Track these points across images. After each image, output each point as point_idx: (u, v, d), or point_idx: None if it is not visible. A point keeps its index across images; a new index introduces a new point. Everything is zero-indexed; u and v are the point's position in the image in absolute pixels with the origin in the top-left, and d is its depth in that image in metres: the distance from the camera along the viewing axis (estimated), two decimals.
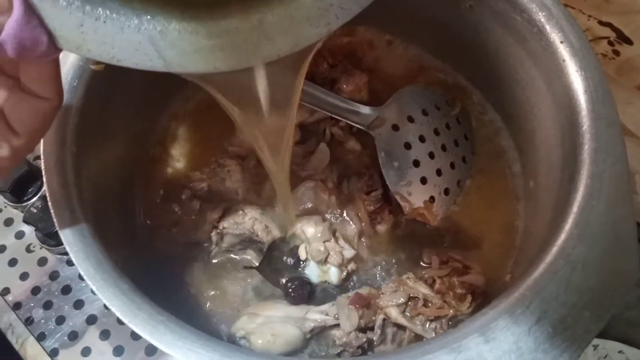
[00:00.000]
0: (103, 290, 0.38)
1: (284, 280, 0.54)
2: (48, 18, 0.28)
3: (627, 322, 0.73)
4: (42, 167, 0.43)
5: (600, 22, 0.63)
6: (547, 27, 0.46)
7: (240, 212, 0.55)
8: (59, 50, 0.30)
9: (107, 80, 0.48)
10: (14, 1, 0.27)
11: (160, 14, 0.29)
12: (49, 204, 0.41)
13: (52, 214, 0.41)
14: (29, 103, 0.33)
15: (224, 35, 0.30)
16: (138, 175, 0.58)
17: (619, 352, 0.69)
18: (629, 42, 0.62)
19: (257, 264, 0.55)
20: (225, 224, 0.54)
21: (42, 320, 0.65)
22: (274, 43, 0.31)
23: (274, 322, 0.50)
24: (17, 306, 0.66)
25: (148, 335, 0.37)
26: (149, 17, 0.29)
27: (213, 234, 0.54)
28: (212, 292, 0.54)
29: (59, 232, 0.40)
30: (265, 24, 0.31)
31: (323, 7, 0.31)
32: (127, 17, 0.29)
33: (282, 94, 0.40)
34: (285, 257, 0.54)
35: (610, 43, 0.64)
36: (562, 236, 0.38)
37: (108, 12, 0.29)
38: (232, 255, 0.56)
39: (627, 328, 0.72)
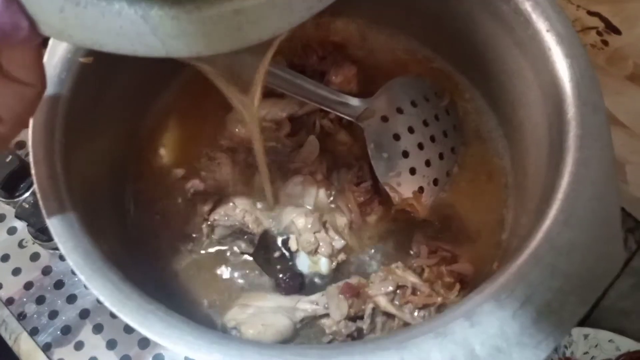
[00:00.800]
0: (92, 281, 0.38)
1: (275, 271, 0.54)
2: (28, 3, 0.28)
3: (620, 311, 0.73)
4: (31, 159, 0.43)
5: (589, 12, 0.63)
6: (533, 16, 0.46)
7: (231, 204, 0.55)
8: (41, 35, 0.30)
9: (96, 72, 0.48)
10: None
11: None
12: (38, 195, 0.41)
13: (40, 205, 0.41)
14: (13, 89, 0.33)
15: (206, 21, 0.30)
16: (128, 167, 0.58)
17: (609, 341, 0.70)
18: (617, 32, 0.62)
19: (250, 252, 0.55)
20: (215, 216, 0.54)
21: (35, 315, 0.65)
22: (256, 27, 0.31)
23: (265, 313, 0.50)
24: (9, 301, 0.66)
25: (137, 324, 0.37)
26: (130, 2, 0.29)
27: (204, 226, 0.55)
28: (202, 282, 0.54)
29: (47, 222, 0.40)
30: (247, 8, 0.31)
31: None
32: (108, 2, 0.29)
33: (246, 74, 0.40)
34: (276, 248, 0.54)
35: (599, 33, 0.64)
36: (547, 222, 0.38)
37: None
38: (222, 247, 0.56)
39: (620, 318, 0.73)
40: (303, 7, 0.31)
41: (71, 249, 0.39)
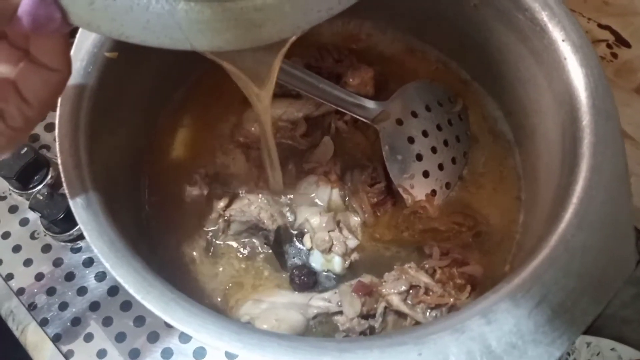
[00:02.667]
0: (117, 268, 0.39)
1: (291, 267, 0.55)
2: None
3: (622, 320, 0.74)
4: (57, 149, 0.43)
5: (600, 25, 0.64)
6: (550, 26, 0.48)
7: (247, 200, 0.56)
8: (71, 25, 0.32)
9: (119, 67, 0.49)
10: None
11: None
12: (64, 184, 0.42)
13: (67, 193, 0.42)
14: (40, 74, 0.34)
15: (229, 17, 0.32)
16: (145, 160, 0.59)
17: (612, 349, 0.70)
18: (627, 44, 0.63)
19: (270, 244, 0.56)
20: (231, 211, 0.55)
21: (45, 306, 0.65)
22: (277, 25, 0.33)
23: (278, 308, 0.51)
24: (20, 292, 0.66)
25: (161, 312, 0.37)
26: None
27: (220, 221, 0.55)
28: (217, 276, 0.55)
29: (74, 211, 0.41)
30: (269, 6, 0.32)
31: None
32: None
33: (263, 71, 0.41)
34: (291, 244, 0.55)
35: (609, 46, 0.65)
36: (562, 225, 0.40)
37: None
38: (237, 242, 0.56)
39: (621, 326, 0.74)
40: (323, 8, 0.33)
41: (97, 237, 0.40)
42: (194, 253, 0.56)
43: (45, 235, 0.69)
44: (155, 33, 0.32)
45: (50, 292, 0.66)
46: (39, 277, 0.67)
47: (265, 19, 0.32)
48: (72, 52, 0.47)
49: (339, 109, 0.57)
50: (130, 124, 0.54)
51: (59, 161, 0.43)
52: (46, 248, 0.69)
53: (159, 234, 0.56)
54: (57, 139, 0.44)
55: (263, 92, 0.44)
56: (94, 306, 0.65)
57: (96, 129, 0.47)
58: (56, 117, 0.45)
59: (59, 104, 0.45)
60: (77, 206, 0.41)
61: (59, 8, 0.31)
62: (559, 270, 0.38)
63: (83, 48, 0.47)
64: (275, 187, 0.56)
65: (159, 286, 0.39)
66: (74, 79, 0.46)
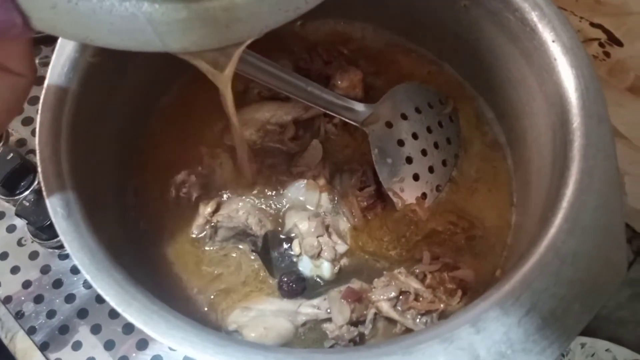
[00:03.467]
0: (97, 280, 0.38)
1: (279, 273, 0.54)
2: (21, 0, 0.29)
3: (617, 321, 0.74)
4: (37, 158, 0.43)
5: (592, 24, 0.63)
6: (539, 26, 0.47)
7: (234, 205, 0.55)
8: (33, 30, 0.31)
9: (102, 72, 0.48)
10: None
11: None
12: (44, 193, 0.41)
13: (47, 203, 0.41)
14: (5, 80, 0.34)
15: (195, 18, 0.31)
16: (130, 166, 0.58)
17: (607, 350, 0.70)
18: (619, 44, 0.63)
19: (257, 250, 0.55)
20: (219, 217, 0.54)
21: (33, 314, 0.65)
22: (243, 26, 0.32)
23: (267, 316, 0.50)
24: (7, 300, 0.66)
25: (142, 324, 0.37)
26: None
27: (207, 227, 0.54)
28: (204, 284, 0.54)
29: (54, 221, 0.40)
30: (236, 6, 0.31)
31: None
32: (99, 0, 0.30)
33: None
34: (279, 250, 0.54)
35: (601, 45, 0.64)
36: (552, 230, 0.39)
37: None
38: (225, 248, 0.56)
39: (617, 327, 0.73)
40: (291, 7, 0.32)
41: (77, 249, 0.39)
42: (180, 260, 0.55)
43: (32, 242, 0.68)
44: (120, 35, 0.31)
45: (38, 299, 0.66)
46: (26, 284, 0.67)
47: (232, 19, 0.32)
48: (53, 58, 0.46)
49: (327, 112, 0.56)
50: (114, 130, 0.53)
51: (39, 170, 0.42)
52: (33, 255, 0.68)
53: (144, 240, 0.55)
54: (37, 147, 0.43)
55: (223, 75, 0.43)
56: (82, 313, 0.65)
57: (79, 135, 0.46)
58: (36, 124, 0.44)
59: (39, 111, 0.44)
60: (57, 216, 0.40)
61: (20, 13, 0.30)
62: (550, 277, 0.37)
63: (64, 53, 0.46)
64: (244, 182, 0.56)
65: (141, 298, 0.38)
66: (55, 86, 0.45)
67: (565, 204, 0.40)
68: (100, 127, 0.51)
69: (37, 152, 0.43)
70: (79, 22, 0.31)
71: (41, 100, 0.45)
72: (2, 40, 0.32)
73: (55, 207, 0.41)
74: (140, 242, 0.55)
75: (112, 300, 0.38)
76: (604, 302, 0.37)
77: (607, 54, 0.65)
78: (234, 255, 0.55)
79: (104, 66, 0.48)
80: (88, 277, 0.39)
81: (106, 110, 0.51)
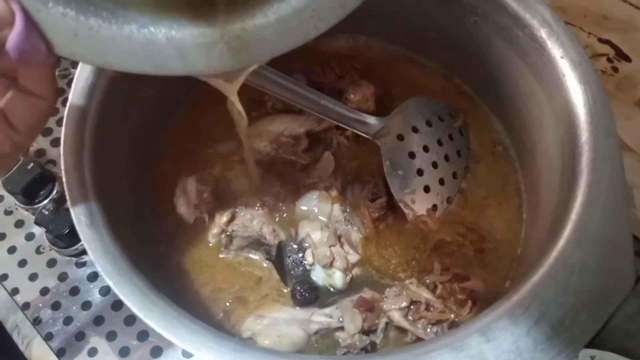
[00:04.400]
0: (120, 286, 0.40)
1: (292, 281, 0.55)
2: (46, 29, 0.31)
3: (626, 333, 0.74)
4: (62, 168, 0.44)
5: (600, 40, 0.65)
6: (548, 43, 0.48)
7: (249, 215, 0.57)
8: (56, 56, 0.33)
9: (123, 85, 0.50)
10: (16, 15, 0.30)
11: (150, 24, 0.32)
12: (68, 202, 0.43)
13: (71, 212, 0.42)
14: (28, 102, 0.36)
15: (209, 44, 0.33)
16: (150, 176, 0.60)
17: None
18: (627, 59, 0.64)
19: (272, 259, 0.56)
20: (233, 227, 0.55)
21: (50, 321, 0.66)
22: (256, 50, 0.34)
23: (280, 324, 0.51)
24: (25, 306, 0.67)
25: (163, 329, 0.38)
26: (139, 26, 0.32)
27: (222, 236, 0.56)
28: (219, 291, 0.55)
29: (78, 229, 0.42)
30: (248, 33, 0.33)
31: (302, 18, 0.33)
32: (119, 27, 0.32)
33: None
34: (293, 259, 0.55)
35: (609, 60, 0.65)
36: (561, 242, 0.40)
37: (101, 22, 0.32)
38: (240, 257, 0.57)
39: (625, 339, 0.73)
40: (300, 33, 0.34)
41: (100, 256, 0.41)
42: (196, 268, 0.56)
43: (50, 250, 0.69)
44: (139, 61, 0.33)
45: (55, 306, 0.67)
46: (44, 291, 0.68)
47: (244, 44, 0.33)
48: (76, 72, 0.48)
49: (340, 125, 0.57)
50: (134, 141, 0.55)
51: (64, 180, 0.44)
52: (51, 262, 0.69)
53: (161, 250, 0.56)
54: (62, 158, 0.45)
55: (230, 86, 0.44)
56: (98, 320, 0.66)
57: (101, 147, 0.47)
58: (61, 135, 0.46)
59: (64, 124, 0.46)
60: (81, 224, 0.42)
61: (44, 40, 0.32)
62: (558, 287, 0.38)
63: (87, 68, 0.48)
64: (257, 192, 0.58)
65: (161, 304, 0.39)
66: (78, 99, 0.47)
67: (573, 215, 0.41)
68: (121, 139, 0.53)
69: (62, 162, 0.44)
70: (99, 48, 0.32)
71: (65, 113, 0.46)
72: (27, 65, 0.33)
73: (79, 216, 0.42)
74: (156, 251, 0.56)
75: (134, 306, 0.39)
76: (611, 312, 0.37)
77: (615, 69, 0.66)
78: (249, 263, 0.56)
79: (124, 80, 0.50)
80: (110, 284, 0.40)
81: (126, 121, 0.53)
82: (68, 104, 0.47)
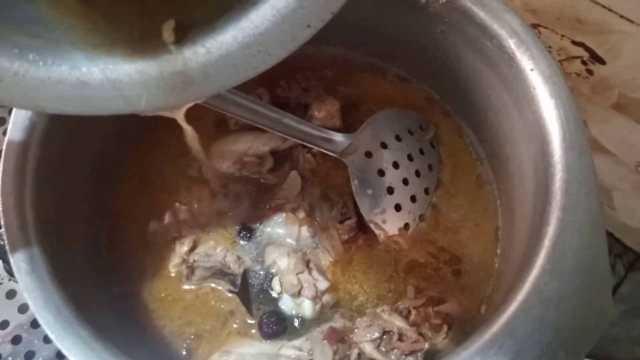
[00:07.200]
0: (62, 339, 0.37)
1: (259, 312, 0.52)
2: None
3: (611, 339, 0.72)
4: (0, 209, 0.41)
5: (574, 42, 0.62)
6: (517, 54, 0.46)
7: (212, 242, 0.54)
8: None
9: (69, 115, 0.46)
10: None
11: (83, 64, 0.30)
12: (7, 247, 0.40)
13: (10, 259, 0.39)
14: None
15: (149, 82, 0.31)
16: (105, 206, 0.56)
17: None
18: (602, 62, 0.61)
19: (236, 291, 0.53)
20: (195, 256, 0.53)
21: (10, 357, 0.63)
22: (201, 86, 0.31)
23: None
24: None
25: None
26: (70, 67, 0.30)
27: (183, 267, 0.53)
28: (180, 326, 0.52)
29: (17, 278, 0.39)
30: (191, 69, 0.31)
31: (250, 54, 0.31)
32: (48, 70, 0.30)
33: None
34: (259, 288, 0.53)
35: (584, 62, 0.63)
36: (535, 272, 0.37)
37: (27, 65, 0.29)
38: (201, 289, 0.54)
39: (611, 345, 0.72)
40: (248, 68, 0.31)
41: (41, 306, 0.38)
42: (156, 302, 0.53)
43: (9, 281, 0.66)
44: (72, 103, 0.31)
45: (16, 340, 0.64)
46: (4, 325, 0.65)
47: (187, 81, 0.31)
48: None
49: (305, 144, 0.54)
50: (85, 171, 0.52)
51: (2, 222, 0.40)
52: (11, 294, 0.66)
53: (119, 282, 0.53)
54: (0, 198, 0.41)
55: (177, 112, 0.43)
56: (62, 354, 0.63)
57: (45, 181, 0.44)
58: None
59: (2, 159, 0.43)
60: (20, 272, 0.39)
61: None
62: (533, 323, 0.36)
63: None
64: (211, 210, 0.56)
65: (107, 357, 0.37)
66: (18, 131, 0.44)
67: (547, 242, 0.39)
68: (69, 169, 0.49)
69: (0, 203, 0.41)
70: (28, 93, 0.30)
71: (4, 147, 0.43)
72: None
73: (18, 263, 0.39)
74: (115, 290, 0.53)
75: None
76: (589, 349, 0.35)
77: (590, 72, 0.64)
78: (212, 295, 0.54)
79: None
80: (52, 337, 0.37)
81: (75, 151, 0.50)
82: (7, 137, 0.44)
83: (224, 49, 0.31)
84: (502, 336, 0.36)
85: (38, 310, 0.38)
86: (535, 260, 0.38)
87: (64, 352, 0.36)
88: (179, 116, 0.42)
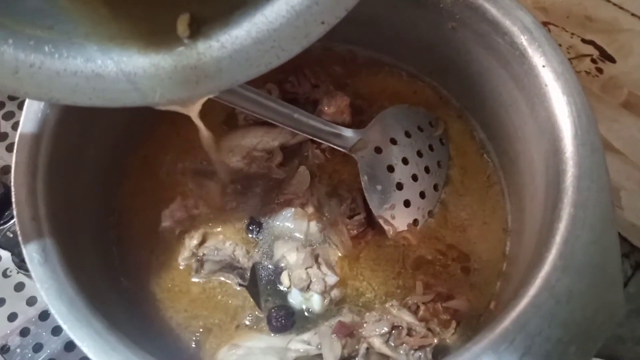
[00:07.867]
0: (75, 330, 0.37)
1: (268, 306, 0.52)
2: None
3: (617, 338, 0.73)
4: (13, 200, 0.41)
5: (584, 40, 0.62)
6: (529, 51, 0.46)
7: (221, 236, 0.54)
8: None
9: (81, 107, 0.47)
10: None
11: (98, 56, 0.31)
12: (19, 238, 0.40)
13: (23, 250, 0.39)
14: None
15: (163, 75, 0.31)
16: (115, 199, 0.57)
17: None
18: (612, 60, 0.61)
19: (245, 284, 0.53)
20: (205, 250, 0.53)
21: (19, 349, 0.63)
22: (214, 81, 0.32)
23: (255, 354, 0.49)
24: None
25: None
26: (85, 60, 0.30)
27: (193, 260, 0.53)
28: (189, 319, 0.52)
29: (30, 268, 0.39)
30: (205, 63, 0.31)
31: (263, 49, 0.31)
32: (63, 62, 0.30)
33: None
34: (267, 283, 0.53)
35: (594, 61, 0.63)
36: (546, 268, 0.37)
37: (42, 57, 0.30)
38: (211, 283, 0.54)
39: (616, 345, 0.72)
40: (261, 63, 0.32)
41: (55, 297, 0.38)
42: (166, 295, 0.53)
43: (18, 273, 0.67)
44: (86, 95, 0.31)
45: (24, 332, 0.64)
46: (12, 317, 0.65)
47: (201, 75, 0.31)
48: None
49: (315, 139, 0.54)
50: (96, 165, 0.52)
51: (15, 213, 0.41)
52: (19, 286, 0.67)
53: (128, 276, 0.53)
54: (12, 189, 0.41)
55: (191, 108, 0.43)
56: (70, 346, 0.63)
57: (56, 173, 0.44)
58: (12, 165, 0.43)
59: (15, 151, 0.43)
60: (33, 262, 0.39)
61: None
62: (544, 319, 0.36)
63: None
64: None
65: (121, 349, 0.37)
66: (31, 123, 0.44)
67: (558, 239, 0.39)
68: (81, 162, 0.49)
69: (13, 194, 0.42)
70: (43, 85, 0.30)
71: (17, 139, 0.43)
72: None
73: (31, 253, 0.39)
74: (124, 281, 0.53)
75: (90, 351, 0.36)
76: (599, 344, 0.35)
77: (599, 70, 0.64)
78: (223, 287, 0.54)
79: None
80: (65, 327, 0.37)
81: (86, 144, 0.50)
82: (19, 129, 0.44)
83: (237, 43, 0.31)
84: (513, 331, 0.36)
85: (51, 300, 0.38)
86: (547, 256, 0.38)
87: (77, 342, 0.36)
88: (193, 113, 0.42)
